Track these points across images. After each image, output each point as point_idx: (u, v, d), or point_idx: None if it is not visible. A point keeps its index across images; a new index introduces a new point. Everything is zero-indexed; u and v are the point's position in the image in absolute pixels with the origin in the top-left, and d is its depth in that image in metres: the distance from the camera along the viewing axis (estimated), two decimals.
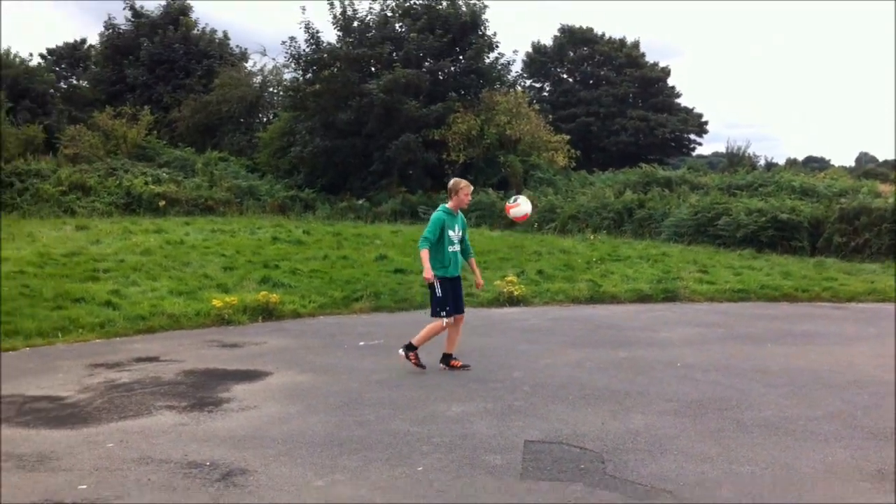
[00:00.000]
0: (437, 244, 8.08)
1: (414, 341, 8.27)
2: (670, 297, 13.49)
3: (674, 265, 16.44)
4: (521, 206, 8.59)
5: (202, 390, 7.49)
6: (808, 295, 13.71)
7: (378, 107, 31.04)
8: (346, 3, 33.74)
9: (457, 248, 8.22)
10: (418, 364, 8.23)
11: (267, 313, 11.50)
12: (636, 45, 56.64)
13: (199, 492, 4.92)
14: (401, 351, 8.34)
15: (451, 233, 8.12)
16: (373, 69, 33.34)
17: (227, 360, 8.86)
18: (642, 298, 13.40)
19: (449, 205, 8.20)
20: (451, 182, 8.36)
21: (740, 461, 5.44)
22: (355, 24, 33.91)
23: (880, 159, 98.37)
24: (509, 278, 13.57)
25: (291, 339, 10.13)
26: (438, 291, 8.07)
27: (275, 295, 11.95)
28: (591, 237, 21.92)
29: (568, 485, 5.01)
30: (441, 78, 33.92)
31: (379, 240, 20.26)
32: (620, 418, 6.48)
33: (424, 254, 8.00)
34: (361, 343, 9.83)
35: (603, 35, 56.66)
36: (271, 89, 42.45)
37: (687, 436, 6.02)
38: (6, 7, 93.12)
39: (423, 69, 33.04)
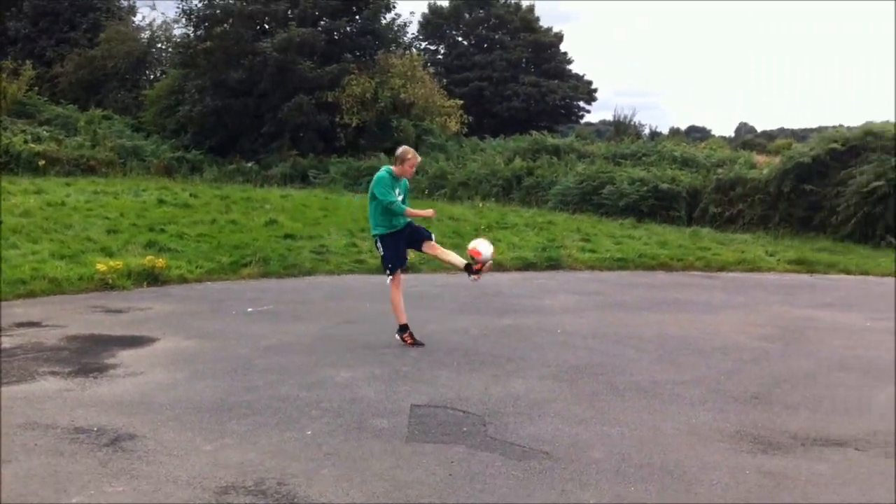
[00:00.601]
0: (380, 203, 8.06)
1: (397, 321, 8.24)
2: (554, 265, 13.93)
3: (558, 233, 16.94)
4: (482, 253, 8.35)
5: (87, 356, 7.45)
6: (682, 264, 14.37)
7: (271, 66, 30.64)
8: None
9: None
10: (414, 342, 8.10)
11: (153, 278, 11.38)
12: (531, 8, 56.99)
13: (87, 456, 4.97)
14: (396, 336, 8.22)
15: (396, 192, 8.13)
16: (267, 27, 32.84)
17: (112, 325, 8.79)
18: (527, 266, 13.79)
19: (394, 169, 8.23)
20: (400, 149, 8.29)
21: (611, 423, 5.81)
22: None
23: (759, 130, 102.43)
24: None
25: (178, 304, 10.08)
26: (381, 250, 8.19)
27: (161, 259, 11.82)
28: (480, 205, 22.29)
29: (451, 447, 5.26)
30: (336, 38, 33.68)
31: (269, 204, 20.13)
32: (502, 383, 6.78)
33: (406, 210, 8.08)
34: (250, 309, 9.87)
35: None
36: (160, 45, 41.33)
37: (563, 399, 6.36)
38: None
39: (319, 28, 32.70)
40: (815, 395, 6.60)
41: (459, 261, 8.37)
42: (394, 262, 8.18)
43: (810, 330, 9.23)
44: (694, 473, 4.89)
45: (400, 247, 8.21)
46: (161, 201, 19.45)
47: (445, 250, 8.50)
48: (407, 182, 8.41)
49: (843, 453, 5.29)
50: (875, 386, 6.89)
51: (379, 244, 8.21)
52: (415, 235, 8.30)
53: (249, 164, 30.16)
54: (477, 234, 16.26)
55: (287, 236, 15.25)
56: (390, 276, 8.22)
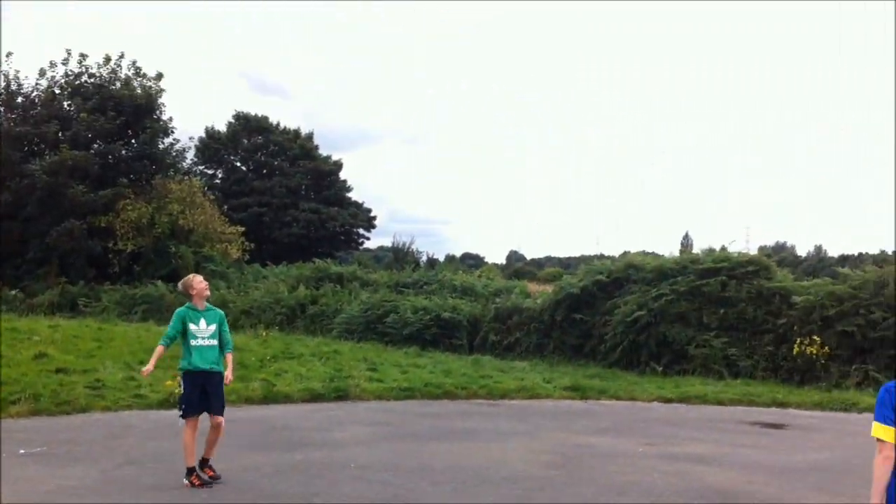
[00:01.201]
0: (183, 339, 7.94)
1: (186, 463, 7.87)
2: (342, 395, 13.96)
3: (345, 363, 17.03)
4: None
5: None
6: (466, 392, 14.81)
7: (40, 189, 29.32)
8: (11, 76, 31.85)
9: (206, 342, 8.00)
10: (202, 484, 7.74)
11: None
12: (310, 136, 58.16)
13: None
14: (184, 480, 7.81)
15: (193, 326, 7.95)
16: (36, 148, 31.51)
17: None
18: (315, 397, 13.74)
19: (192, 302, 8.07)
20: (182, 281, 8.28)
21: None
22: (19, 99, 32.05)
23: (528, 257, 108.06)
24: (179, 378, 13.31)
25: None
26: (181, 387, 7.94)
27: None
28: (264, 333, 22.04)
29: None
30: (111, 161, 32.81)
31: (36, 336, 18.94)
32: None
33: (157, 349, 7.94)
34: (22, 451, 9.21)
35: (278, 125, 57.58)
36: None
37: None
38: None
39: (93, 151, 31.79)
40: None
41: (207, 451, 8.12)
42: (188, 405, 7.96)
43: (589, 457, 9.75)
44: None
45: (195, 392, 7.96)
46: None
47: (216, 436, 8.13)
48: (221, 313, 8.32)
49: None
50: None
51: (181, 380, 8.04)
52: (212, 399, 8.01)
53: (13, 292, 28.34)
54: (262, 365, 16.08)
55: (59, 370, 14.39)
56: (182, 420, 7.98)
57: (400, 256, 42.64)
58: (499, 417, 12.68)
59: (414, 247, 45.10)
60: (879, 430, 3.77)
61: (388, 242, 49.35)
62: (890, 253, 39.13)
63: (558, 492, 7.99)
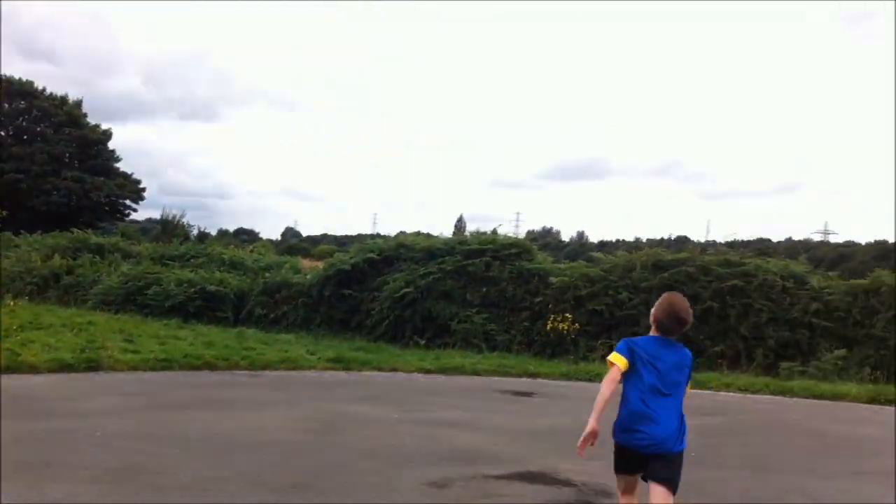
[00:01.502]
0: None
1: None
2: (93, 366, 13.31)
3: (99, 334, 16.24)
4: None
5: None
6: (227, 363, 14.56)
7: None
8: None
9: None
10: None
11: None
12: (79, 104, 54.90)
13: None
14: None
15: None
16: None
17: None
18: (64, 367, 13.02)
19: None
20: None
21: None
22: None
23: (304, 234, 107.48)
24: None
25: None
26: None
27: None
28: (11, 303, 20.59)
29: None
30: None
31: None
32: (37, 489, 6.39)
33: None
34: None
35: (44, 90, 53.92)
36: None
37: (105, 502, 6.18)
38: None
39: None
40: (347, 482, 7.11)
41: None
42: None
43: (345, 423, 9.90)
44: None
45: None
46: None
47: None
48: None
49: None
50: (398, 471, 7.59)
51: None
52: None
53: None
54: (7, 335, 15.07)
55: None
56: None
57: (169, 229, 41.09)
58: (259, 388, 12.59)
59: (185, 220, 43.62)
60: (614, 357, 4.79)
61: (158, 215, 47.38)
62: (644, 241, 42.14)
63: (313, 456, 8.07)
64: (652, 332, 4.94)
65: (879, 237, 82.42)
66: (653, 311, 4.96)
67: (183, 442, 8.43)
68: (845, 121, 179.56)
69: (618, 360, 4.77)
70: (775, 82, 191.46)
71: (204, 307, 20.91)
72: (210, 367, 14.29)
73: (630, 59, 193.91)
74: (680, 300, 4.92)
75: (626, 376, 4.79)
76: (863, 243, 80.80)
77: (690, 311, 4.89)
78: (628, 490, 4.99)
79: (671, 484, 4.74)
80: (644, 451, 4.74)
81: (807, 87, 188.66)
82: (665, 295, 5.02)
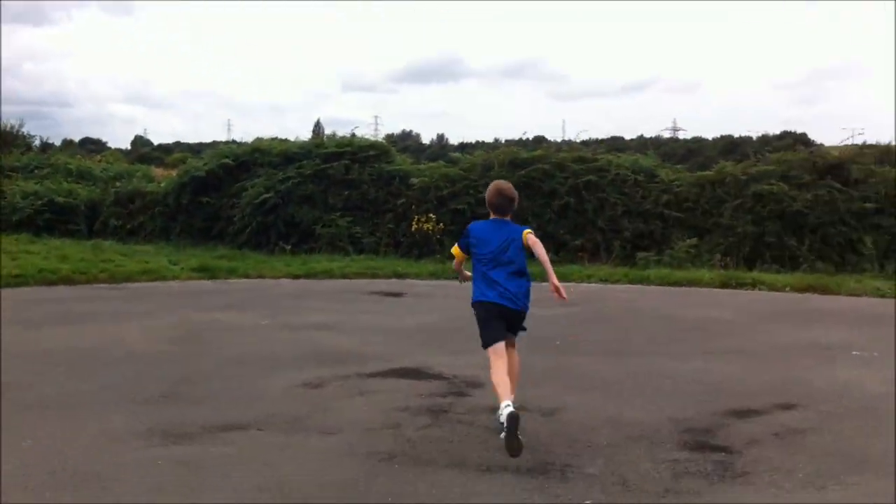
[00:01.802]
0: None
1: None
2: None
3: None
4: None
5: None
6: (85, 277, 14.08)
7: None
8: None
9: None
10: None
11: None
12: None
13: None
14: None
15: None
16: None
17: None
18: None
19: None
20: None
21: (24, 437, 5.60)
22: None
23: (155, 143, 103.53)
24: None
25: None
26: None
27: None
28: None
29: None
30: None
31: None
32: None
33: None
34: None
35: None
36: None
37: None
38: None
39: None
40: (216, 389, 7.07)
41: None
42: None
43: (211, 331, 9.79)
44: (110, 473, 4.98)
45: None
46: None
47: None
48: None
49: (247, 435, 5.82)
50: (269, 375, 7.59)
51: None
52: None
53: None
54: None
55: None
56: None
57: (8, 140, 38.75)
58: (120, 301, 12.25)
59: (24, 129, 41.15)
60: (454, 249, 6.05)
61: None
62: (503, 141, 42.52)
63: (177, 366, 7.95)
64: (490, 217, 5.90)
65: (725, 132, 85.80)
66: (486, 196, 5.94)
67: (42, 357, 8.19)
68: (694, 19, 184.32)
69: (455, 252, 6.02)
70: None
71: (54, 220, 20.06)
72: (67, 281, 13.79)
73: None
74: (503, 182, 5.98)
75: (471, 256, 5.86)
76: (710, 139, 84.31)
77: (513, 188, 5.88)
78: (498, 353, 5.62)
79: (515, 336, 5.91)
80: (497, 301, 5.65)
81: None
82: (492, 182, 6.02)
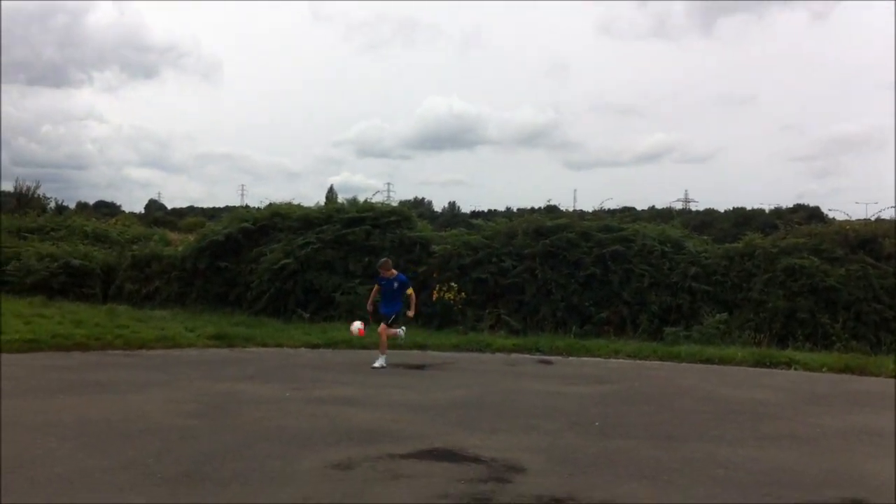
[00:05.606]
0: None
1: None
2: None
3: None
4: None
5: None
6: (100, 343, 13.75)
7: None
8: None
9: None
10: None
11: None
12: None
13: None
14: None
15: None
16: None
17: None
18: None
19: None
20: None
21: None
22: None
23: (169, 207, 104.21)
24: None
25: None
26: None
27: None
28: None
29: None
30: None
31: None
32: None
33: None
34: None
35: None
36: None
37: None
38: None
39: None
40: (243, 468, 6.64)
41: None
42: None
43: (234, 404, 9.38)
44: None
45: None
46: None
47: None
48: None
49: None
50: (297, 454, 7.14)
51: None
52: None
53: None
54: None
55: None
56: None
57: (24, 202, 38.92)
58: (137, 368, 11.85)
59: (40, 192, 41.42)
60: (374, 289, 13.17)
61: (11, 188, 44.83)
62: (515, 210, 42.47)
63: (200, 441, 7.53)
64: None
65: (738, 205, 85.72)
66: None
67: (57, 429, 7.76)
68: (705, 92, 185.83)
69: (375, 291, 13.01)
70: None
71: (69, 283, 19.75)
72: (81, 347, 13.43)
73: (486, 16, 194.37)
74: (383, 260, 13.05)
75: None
76: (722, 210, 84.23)
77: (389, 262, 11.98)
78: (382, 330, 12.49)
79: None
80: (383, 312, 12.82)
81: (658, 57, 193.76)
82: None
